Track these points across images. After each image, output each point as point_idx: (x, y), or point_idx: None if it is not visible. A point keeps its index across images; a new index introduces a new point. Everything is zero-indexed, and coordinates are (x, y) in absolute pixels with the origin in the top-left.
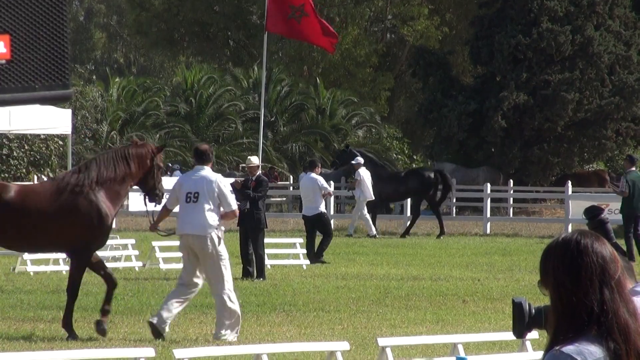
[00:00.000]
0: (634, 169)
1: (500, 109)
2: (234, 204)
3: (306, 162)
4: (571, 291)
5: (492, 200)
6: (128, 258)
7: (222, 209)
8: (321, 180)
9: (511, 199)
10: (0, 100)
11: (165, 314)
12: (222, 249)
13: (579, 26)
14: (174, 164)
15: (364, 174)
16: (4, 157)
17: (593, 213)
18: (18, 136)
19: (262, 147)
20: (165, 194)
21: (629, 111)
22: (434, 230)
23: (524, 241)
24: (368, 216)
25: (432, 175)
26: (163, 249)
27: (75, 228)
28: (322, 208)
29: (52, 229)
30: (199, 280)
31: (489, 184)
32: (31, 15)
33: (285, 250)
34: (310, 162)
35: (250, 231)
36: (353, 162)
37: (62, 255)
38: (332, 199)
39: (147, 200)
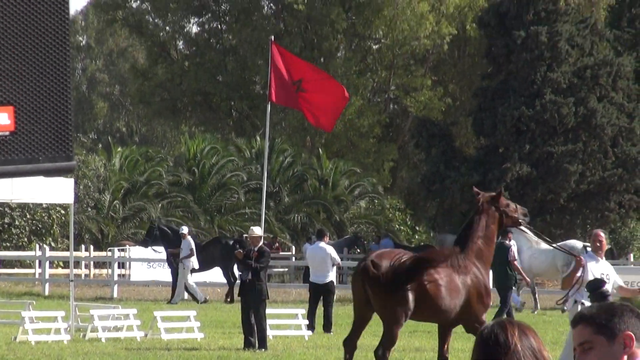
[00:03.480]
0: None
1: (503, 181)
2: None
3: (313, 232)
4: None
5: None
6: (130, 328)
7: None
8: (332, 249)
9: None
10: (4, 172)
11: None
12: None
13: (582, 98)
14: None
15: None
16: (6, 226)
17: (595, 286)
18: (20, 205)
19: (265, 217)
20: None
21: (632, 183)
22: None
23: (527, 312)
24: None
25: (230, 242)
26: (165, 319)
27: None
28: (333, 277)
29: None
30: None
31: None
32: (35, 86)
33: (287, 320)
34: (318, 231)
35: (252, 302)
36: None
37: (63, 325)
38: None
39: None
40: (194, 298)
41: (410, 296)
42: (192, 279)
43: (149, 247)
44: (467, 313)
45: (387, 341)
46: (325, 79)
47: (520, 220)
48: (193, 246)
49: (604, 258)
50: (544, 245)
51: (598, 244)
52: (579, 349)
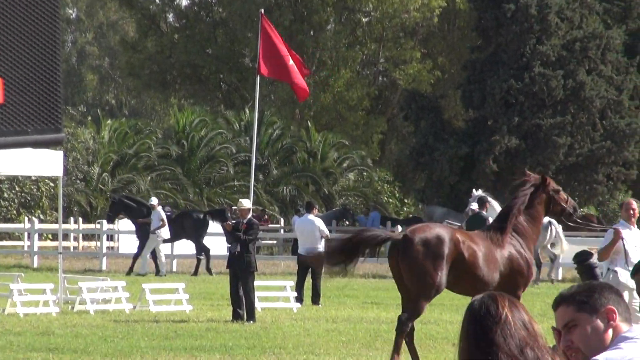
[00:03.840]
0: None
1: (491, 153)
2: None
3: (302, 204)
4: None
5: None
6: (118, 300)
7: None
8: (320, 222)
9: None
10: None
11: None
12: None
13: (571, 71)
14: (165, 206)
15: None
16: None
17: (582, 257)
18: (9, 177)
19: (253, 189)
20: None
21: (620, 155)
22: None
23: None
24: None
25: (201, 216)
26: (153, 291)
27: None
28: (321, 249)
29: None
30: None
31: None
32: (24, 58)
33: (275, 293)
34: (307, 203)
35: (240, 274)
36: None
37: (52, 297)
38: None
39: None
40: (156, 269)
41: (441, 273)
42: (164, 250)
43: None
44: (506, 286)
45: (413, 311)
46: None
47: (568, 212)
48: (164, 216)
49: (635, 227)
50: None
51: (632, 212)
52: (564, 330)
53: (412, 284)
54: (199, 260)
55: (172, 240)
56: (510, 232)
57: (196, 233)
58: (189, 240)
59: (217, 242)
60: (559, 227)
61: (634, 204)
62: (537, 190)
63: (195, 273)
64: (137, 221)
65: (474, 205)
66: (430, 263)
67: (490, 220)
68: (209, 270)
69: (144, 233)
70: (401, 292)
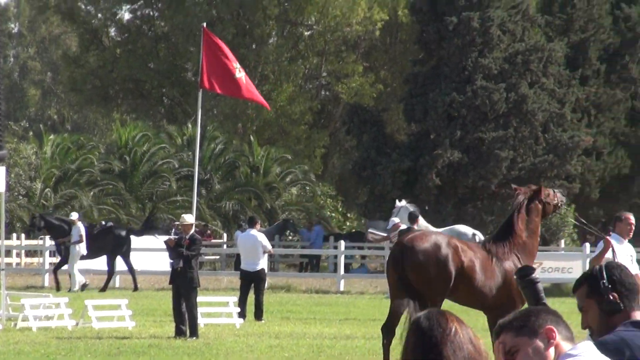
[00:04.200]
0: None
1: (434, 167)
2: None
3: (244, 219)
4: None
5: None
6: (61, 316)
7: None
8: (263, 237)
9: None
10: None
11: None
12: None
13: (513, 84)
14: (107, 222)
15: None
16: None
17: (523, 272)
18: None
19: (196, 204)
20: None
21: (563, 169)
22: (368, 288)
23: None
24: None
25: (123, 233)
26: (96, 307)
27: None
28: (264, 265)
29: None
30: None
31: None
32: None
33: (218, 308)
34: (250, 218)
35: (183, 289)
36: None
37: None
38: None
39: None
40: (71, 285)
41: (452, 268)
42: (79, 265)
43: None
44: (503, 299)
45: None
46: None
47: (560, 204)
48: (83, 232)
49: (627, 241)
50: (432, 229)
51: (628, 227)
52: (508, 357)
53: (424, 287)
54: (110, 276)
55: (92, 256)
56: (512, 245)
57: (115, 250)
58: (117, 256)
59: (160, 258)
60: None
61: (632, 219)
62: (531, 201)
63: (135, 288)
64: (57, 240)
65: (397, 219)
66: (435, 265)
67: None
68: (135, 287)
69: (65, 251)
70: (393, 299)
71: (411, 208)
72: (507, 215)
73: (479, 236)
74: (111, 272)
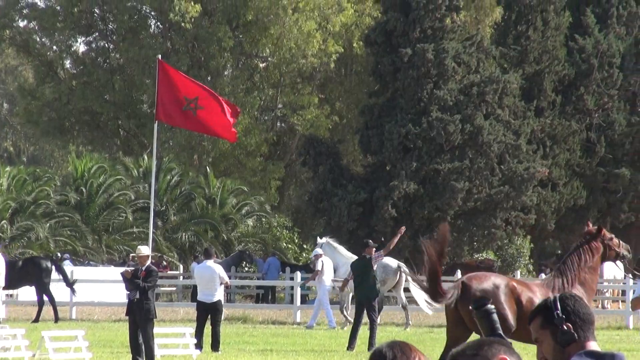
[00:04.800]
0: None
1: (390, 198)
2: None
3: (201, 250)
4: None
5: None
6: (17, 348)
7: None
8: (220, 268)
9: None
10: None
11: None
12: None
13: (468, 115)
14: (63, 253)
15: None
16: None
17: (479, 303)
18: None
19: (152, 236)
20: None
21: (518, 200)
22: (324, 319)
23: (414, 330)
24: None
25: (48, 263)
26: (53, 338)
27: None
28: (220, 296)
29: None
30: None
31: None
32: None
33: (175, 339)
34: (206, 250)
35: (139, 321)
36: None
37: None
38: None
39: None
40: None
41: (509, 314)
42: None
43: None
44: None
45: None
46: (215, 95)
47: (622, 254)
48: (2, 264)
49: None
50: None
51: None
52: None
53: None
54: (40, 307)
55: (14, 286)
56: (573, 282)
57: (39, 280)
58: (43, 287)
59: (116, 289)
60: (406, 269)
61: None
62: (593, 240)
63: (37, 319)
64: None
65: (320, 250)
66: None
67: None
68: (56, 318)
69: None
70: (451, 337)
71: (334, 244)
72: (569, 253)
73: (404, 268)
74: (41, 303)
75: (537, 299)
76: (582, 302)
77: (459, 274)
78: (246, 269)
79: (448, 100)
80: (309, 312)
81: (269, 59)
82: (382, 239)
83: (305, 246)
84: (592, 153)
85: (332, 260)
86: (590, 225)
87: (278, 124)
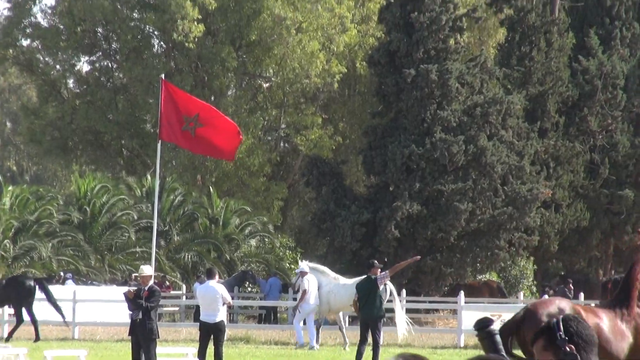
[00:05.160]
0: None
1: (393, 219)
2: None
3: (204, 270)
4: None
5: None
6: None
7: None
8: (222, 288)
9: (404, 309)
10: None
11: None
12: None
13: (472, 136)
14: (66, 273)
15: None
16: None
17: (482, 324)
18: None
19: (155, 256)
20: None
21: (522, 221)
22: (327, 340)
23: (417, 351)
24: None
25: (31, 283)
26: (56, 358)
27: None
28: (223, 316)
29: None
30: None
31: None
32: None
33: (177, 359)
34: (208, 270)
35: (142, 341)
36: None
37: None
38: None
39: None
40: None
41: None
42: None
43: None
44: (635, 357)
45: None
46: (219, 115)
47: None
48: None
49: None
50: (343, 281)
51: None
52: None
53: None
54: (17, 325)
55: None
56: (636, 302)
57: (20, 300)
58: (24, 306)
59: (119, 309)
60: (393, 287)
61: None
62: None
63: (37, 338)
64: None
65: (306, 267)
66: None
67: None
68: (37, 338)
69: None
70: None
71: (316, 265)
72: (628, 270)
73: (389, 285)
74: (19, 321)
75: (604, 324)
76: (585, 323)
77: (462, 295)
78: (249, 289)
79: (451, 121)
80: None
81: (273, 79)
82: (386, 260)
83: None
84: (595, 174)
85: (315, 277)
86: None
87: (281, 144)
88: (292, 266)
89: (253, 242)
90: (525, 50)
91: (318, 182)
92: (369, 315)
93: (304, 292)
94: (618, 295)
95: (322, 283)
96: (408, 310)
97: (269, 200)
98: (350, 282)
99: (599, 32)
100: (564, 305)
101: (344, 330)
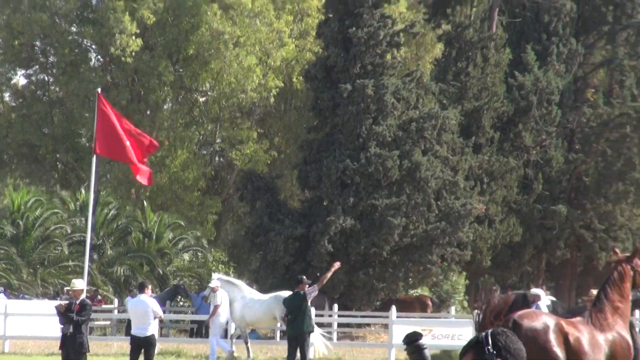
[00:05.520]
0: None
1: (327, 234)
2: None
3: (136, 284)
4: None
5: (316, 325)
6: None
7: None
8: (154, 302)
9: (336, 323)
10: None
11: None
12: None
13: (407, 151)
14: None
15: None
16: None
17: (411, 339)
18: None
19: (88, 270)
20: None
21: (455, 236)
22: (258, 354)
23: None
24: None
25: None
26: None
27: None
28: (154, 330)
29: None
30: None
31: (313, 308)
32: None
33: None
34: (140, 284)
35: (73, 355)
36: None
37: None
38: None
39: None
40: None
41: (559, 353)
42: None
43: None
44: None
45: None
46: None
47: None
48: None
49: None
50: (257, 295)
51: None
52: None
53: None
54: None
55: None
56: (611, 314)
57: None
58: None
59: (50, 323)
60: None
61: None
62: (625, 268)
63: None
64: None
65: (218, 283)
66: (542, 346)
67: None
68: None
69: None
70: None
71: (231, 279)
72: (603, 282)
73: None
74: None
75: (584, 337)
76: (514, 337)
77: (393, 309)
78: (181, 303)
79: (387, 136)
80: (243, 347)
81: (209, 93)
82: (318, 274)
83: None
84: (529, 190)
85: (229, 294)
86: (619, 252)
87: (216, 158)
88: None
89: (186, 256)
90: (462, 66)
91: (252, 197)
92: (299, 330)
93: (216, 307)
94: (595, 306)
95: (236, 297)
96: (339, 325)
97: (203, 215)
98: (266, 298)
99: (535, 47)
100: (549, 319)
101: (249, 344)
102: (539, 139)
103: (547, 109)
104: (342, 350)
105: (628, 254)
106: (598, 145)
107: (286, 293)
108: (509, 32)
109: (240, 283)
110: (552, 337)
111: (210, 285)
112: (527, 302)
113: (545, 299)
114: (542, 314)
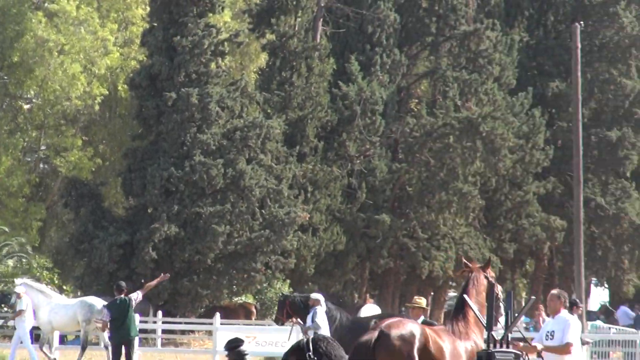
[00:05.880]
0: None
1: (151, 241)
2: None
3: None
4: None
5: (141, 331)
6: None
7: None
8: None
9: (160, 329)
10: None
11: None
12: None
13: (231, 159)
14: None
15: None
16: None
17: (232, 345)
18: None
19: None
20: None
21: (279, 244)
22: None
23: None
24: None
25: None
26: None
27: None
28: None
29: None
30: None
31: (137, 315)
32: None
33: None
34: None
35: None
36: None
37: None
38: None
39: None
40: None
41: None
42: None
43: None
44: None
45: None
46: None
47: (497, 295)
48: None
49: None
50: (63, 300)
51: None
52: None
53: None
54: None
55: None
56: (469, 322)
57: None
58: None
59: None
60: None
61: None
62: (479, 276)
63: None
64: None
65: (23, 288)
66: (407, 356)
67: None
68: None
69: None
70: None
71: (35, 284)
72: (460, 292)
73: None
74: None
75: (446, 346)
76: (335, 344)
77: (217, 316)
78: (5, 310)
79: (211, 145)
80: (66, 352)
81: (34, 100)
82: (142, 281)
83: (64, 287)
84: (353, 199)
85: (34, 299)
86: (470, 263)
87: (41, 165)
88: (49, 286)
89: (10, 262)
90: (286, 75)
91: (77, 204)
92: (125, 336)
93: (20, 311)
94: (455, 315)
95: (42, 303)
96: (164, 331)
97: (27, 221)
98: (72, 303)
99: (359, 58)
100: (415, 327)
101: (53, 348)
102: (363, 148)
103: (371, 118)
104: (167, 357)
105: (481, 264)
106: (421, 155)
107: (93, 299)
108: (333, 42)
109: (45, 288)
110: (417, 346)
111: (16, 290)
112: (308, 305)
113: (324, 305)
114: (407, 321)
